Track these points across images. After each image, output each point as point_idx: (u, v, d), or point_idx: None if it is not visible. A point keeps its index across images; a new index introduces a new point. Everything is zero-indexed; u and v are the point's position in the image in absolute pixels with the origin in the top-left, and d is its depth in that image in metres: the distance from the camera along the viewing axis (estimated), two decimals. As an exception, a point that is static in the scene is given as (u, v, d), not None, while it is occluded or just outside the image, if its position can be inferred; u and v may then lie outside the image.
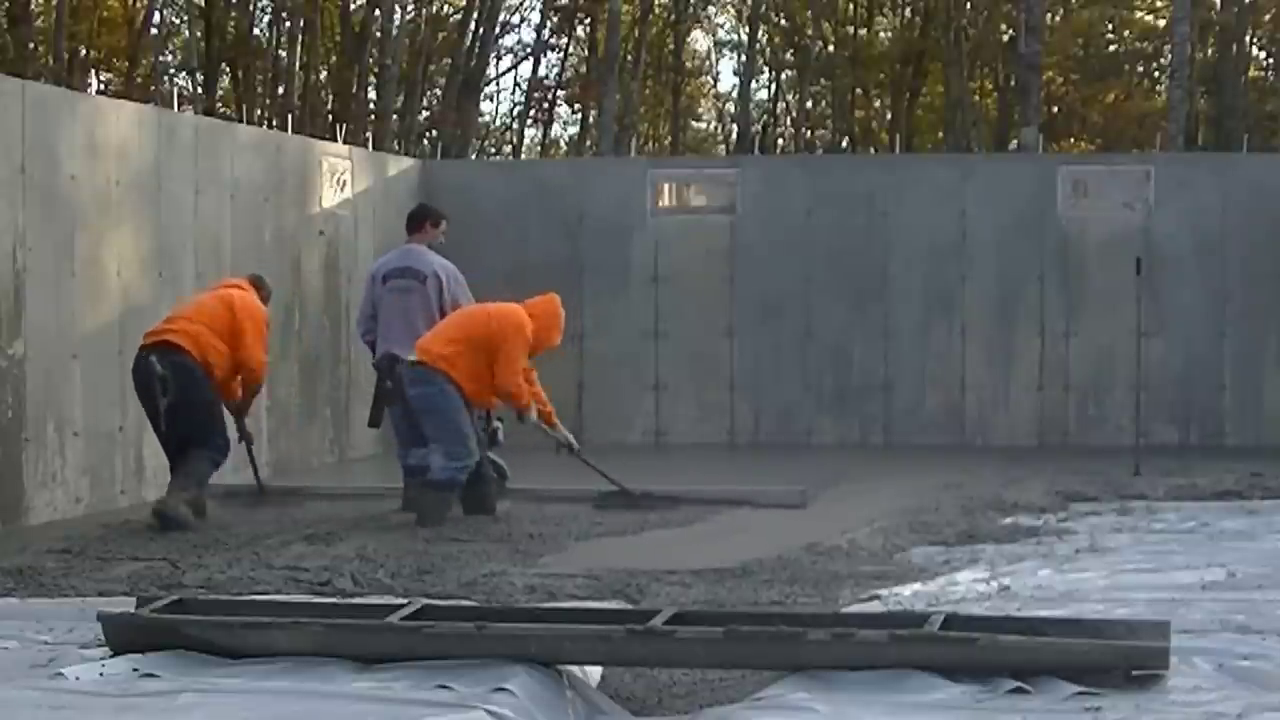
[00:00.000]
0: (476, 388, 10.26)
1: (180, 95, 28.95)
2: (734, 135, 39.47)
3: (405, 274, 11.02)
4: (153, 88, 29.86)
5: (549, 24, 37.69)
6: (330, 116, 29.27)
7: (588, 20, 36.97)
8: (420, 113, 33.32)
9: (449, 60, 33.38)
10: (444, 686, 5.35)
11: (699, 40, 42.65)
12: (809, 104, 37.87)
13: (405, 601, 6.35)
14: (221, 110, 30.86)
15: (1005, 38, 33.27)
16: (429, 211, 11.53)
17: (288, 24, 31.20)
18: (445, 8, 35.57)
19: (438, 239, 11.34)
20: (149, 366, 10.13)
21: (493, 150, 41.31)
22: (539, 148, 41.41)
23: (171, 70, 34.47)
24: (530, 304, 10.48)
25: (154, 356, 10.13)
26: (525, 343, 10.32)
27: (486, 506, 10.51)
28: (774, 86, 41.41)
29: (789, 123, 40.46)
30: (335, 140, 16.04)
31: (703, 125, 45.48)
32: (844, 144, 36.48)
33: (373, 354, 11.21)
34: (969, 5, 33.41)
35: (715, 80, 46.26)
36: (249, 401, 10.76)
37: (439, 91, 35.01)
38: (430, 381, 10.18)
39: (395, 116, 29.89)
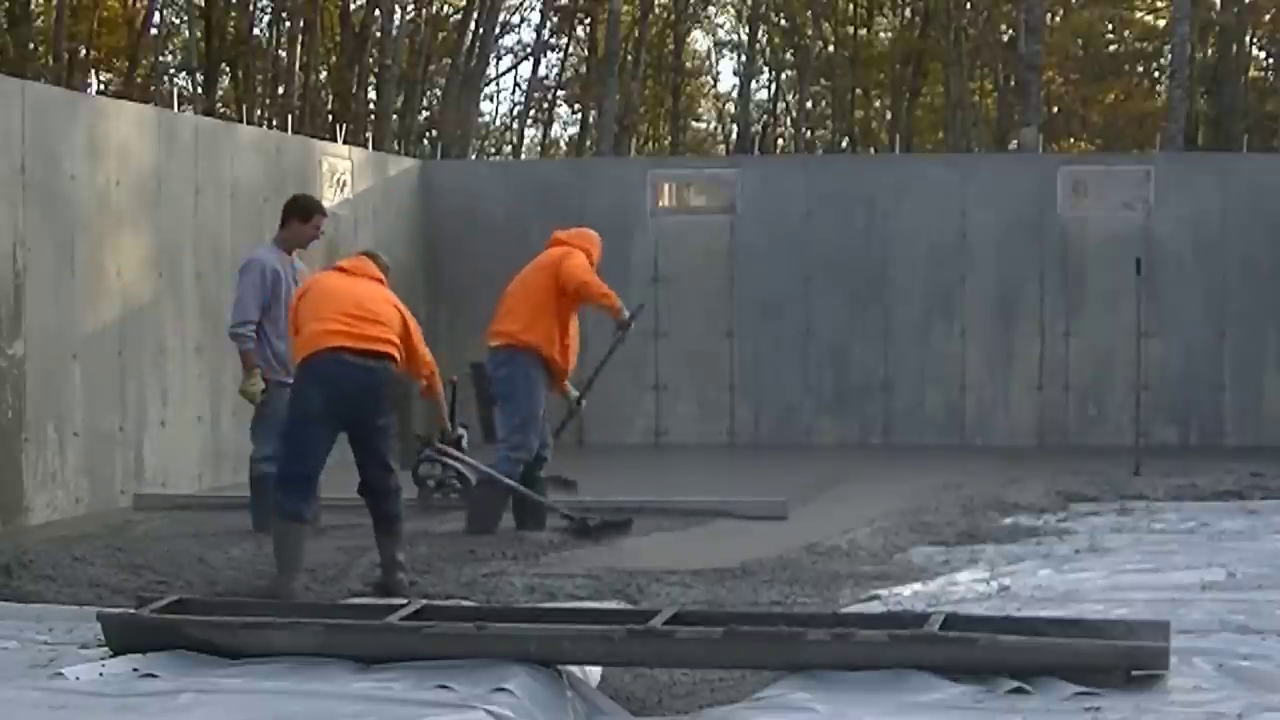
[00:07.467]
0: (551, 345, 10.01)
1: (180, 95, 28.95)
2: (734, 135, 39.47)
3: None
4: (153, 88, 29.83)
5: (549, 24, 37.70)
6: (330, 116, 29.25)
7: (588, 20, 36.94)
8: (420, 113, 33.29)
9: (449, 60, 33.35)
10: (444, 686, 5.36)
11: (699, 40, 42.69)
12: (809, 104, 37.85)
13: (405, 601, 6.35)
14: (221, 110, 30.83)
15: (1005, 38, 33.25)
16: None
17: (288, 24, 31.18)
18: (445, 8, 35.54)
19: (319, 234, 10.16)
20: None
21: (493, 150, 41.30)
22: (539, 148, 41.40)
23: (171, 70, 34.44)
24: (559, 237, 10.63)
25: None
26: (582, 257, 10.30)
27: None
28: (774, 86, 41.44)
29: (789, 123, 40.45)
30: (335, 140, 16.03)
31: (703, 125, 45.45)
32: (844, 144, 36.48)
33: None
34: (969, 5, 33.38)
35: (715, 80, 46.27)
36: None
37: (439, 91, 34.98)
38: (511, 362, 10.00)
39: (395, 116, 29.87)
